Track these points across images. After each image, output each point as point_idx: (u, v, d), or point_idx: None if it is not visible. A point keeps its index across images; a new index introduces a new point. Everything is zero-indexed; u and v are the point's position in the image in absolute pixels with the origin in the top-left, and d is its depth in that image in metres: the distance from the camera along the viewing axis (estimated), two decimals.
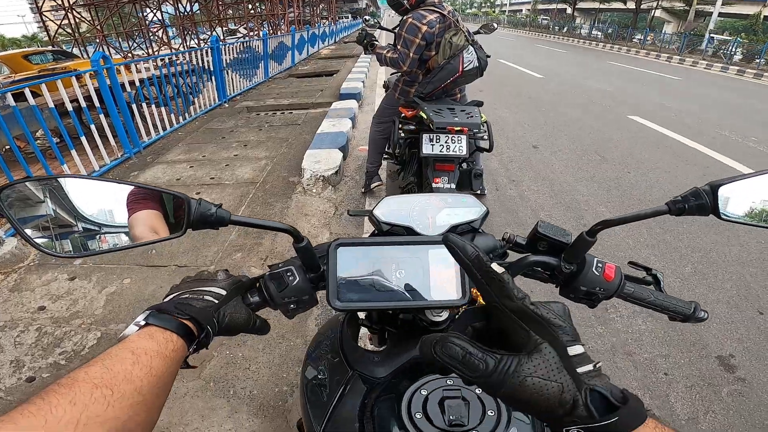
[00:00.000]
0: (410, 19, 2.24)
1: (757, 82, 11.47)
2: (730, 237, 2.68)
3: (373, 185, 3.11)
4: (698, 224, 2.78)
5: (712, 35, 17.10)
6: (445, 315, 0.55)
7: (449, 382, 0.45)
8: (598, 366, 0.29)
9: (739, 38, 16.05)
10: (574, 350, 0.29)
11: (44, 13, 16.47)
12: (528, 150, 4.39)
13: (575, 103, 6.80)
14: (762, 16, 18.72)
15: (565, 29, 30.23)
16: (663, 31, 23.99)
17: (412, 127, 2.36)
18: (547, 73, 10.34)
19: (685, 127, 5.38)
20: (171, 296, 0.50)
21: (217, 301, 0.49)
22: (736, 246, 2.60)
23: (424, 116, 2.18)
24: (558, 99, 7.16)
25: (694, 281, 2.28)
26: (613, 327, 1.94)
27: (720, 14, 20.30)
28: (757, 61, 13.93)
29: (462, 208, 0.62)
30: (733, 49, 14.76)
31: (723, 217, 0.50)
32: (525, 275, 0.60)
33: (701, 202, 0.49)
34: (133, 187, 0.49)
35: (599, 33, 25.40)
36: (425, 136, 2.19)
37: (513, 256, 0.62)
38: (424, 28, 2.21)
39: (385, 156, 2.98)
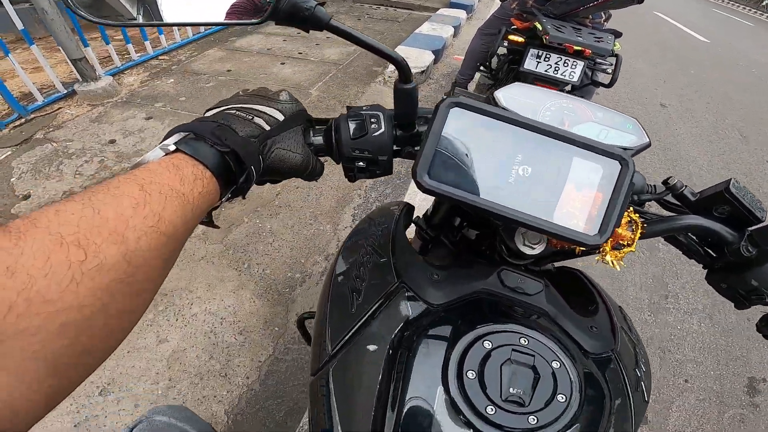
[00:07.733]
0: None
1: None
2: None
3: None
4: None
5: None
6: (539, 249, 0.40)
7: (523, 341, 0.32)
8: None
9: None
10: None
11: None
12: (654, 108, 3.70)
13: (734, 76, 5.45)
14: None
15: None
16: None
17: (520, 39, 1.95)
18: (715, 39, 8.29)
19: None
20: (213, 111, 0.38)
21: (269, 127, 0.37)
22: None
23: (539, 27, 1.78)
24: (715, 66, 5.75)
25: None
26: (662, 318, 1.68)
27: None
28: None
29: (613, 130, 0.44)
30: None
31: None
32: (667, 239, 0.45)
33: None
34: None
35: None
36: (531, 50, 1.83)
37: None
38: None
39: (481, 69, 2.65)
